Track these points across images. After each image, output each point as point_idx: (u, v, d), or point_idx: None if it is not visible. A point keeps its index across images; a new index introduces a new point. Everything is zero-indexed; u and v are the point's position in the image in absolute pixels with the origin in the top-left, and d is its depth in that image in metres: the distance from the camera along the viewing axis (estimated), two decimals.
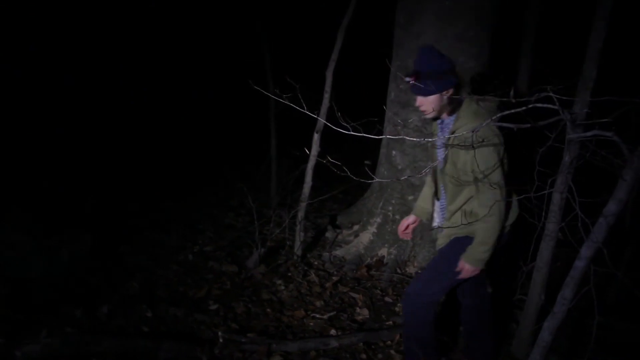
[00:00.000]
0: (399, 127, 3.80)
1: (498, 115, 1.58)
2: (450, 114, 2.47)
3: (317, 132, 3.62)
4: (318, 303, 3.45)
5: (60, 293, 3.20)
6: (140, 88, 7.02)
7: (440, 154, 2.57)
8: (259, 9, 4.68)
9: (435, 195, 2.73)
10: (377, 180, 4.06)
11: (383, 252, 3.95)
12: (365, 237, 4.06)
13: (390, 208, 3.99)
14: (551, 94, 1.56)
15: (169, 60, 7.47)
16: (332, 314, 3.33)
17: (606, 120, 1.72)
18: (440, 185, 2.66)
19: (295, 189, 4.95)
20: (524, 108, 1.57)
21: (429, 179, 2.80)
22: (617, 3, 2.26)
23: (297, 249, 3.94)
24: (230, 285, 3.56)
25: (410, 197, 3.89)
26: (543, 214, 2.47)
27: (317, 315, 3.30)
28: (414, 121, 3.72)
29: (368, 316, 3.35)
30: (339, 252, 4.06)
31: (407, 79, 2.36)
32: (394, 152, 3.94)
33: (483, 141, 2.29)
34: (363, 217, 4.26)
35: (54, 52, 6.44)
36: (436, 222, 2.77)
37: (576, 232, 2.03)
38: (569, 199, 2.06)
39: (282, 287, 3.58)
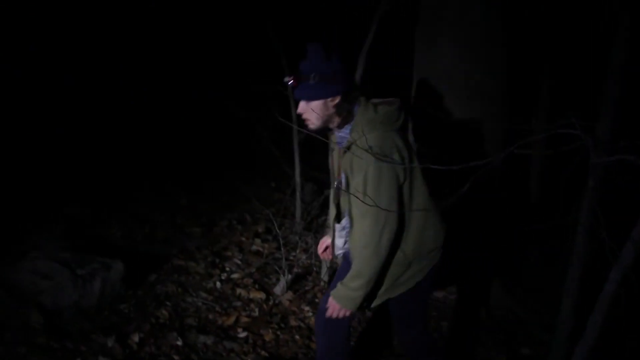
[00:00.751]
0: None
1: (519, 143, 1.57)
2: (343, 125, 2.14)
3: None
4: None
5: (92, 322, 3.26)
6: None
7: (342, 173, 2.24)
8: (277, 31, 4.65)
9: (337, 217, 2.39)
10: None
11: None
12: None
13: None
14: (573, 119, 1.57)
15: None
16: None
17: (630, 144, 1.72)
18: (343, 207, 2.34)
19: (320, 213, 4.99)
20: (543, 135, 1.59)
21: (332, 198, 2.46)
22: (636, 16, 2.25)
23: (324, 275, 3.96)
24: (259, 312, 3.59)
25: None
26: (570, 238, 2.45)
27: None
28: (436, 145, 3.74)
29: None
30: None
31: (286, 79, 2.06)
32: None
33: (380, 156, 1.97)
34: None
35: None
36: (338, 250, 2.41)
37: (604, 254, 2.02)
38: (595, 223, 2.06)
39: (310, 314, 3.60)
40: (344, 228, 2.35)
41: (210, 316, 3.50)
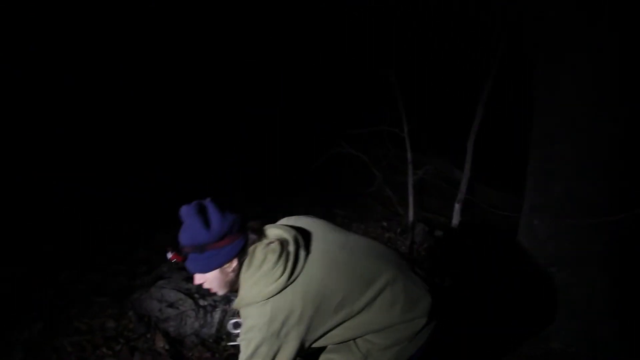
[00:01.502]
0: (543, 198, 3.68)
1: None
2: None
3: (457, 203, 3.63)
4: None
5: (212, 351, 3.43)
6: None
7: None
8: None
9: None
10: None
11: None
12: None
13: None
14: None
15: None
16: None
17: None
18: None
19: (431, 254, 4.91)
20: None
21: None
22: None
23: None
24: None
25: (554, 269, 3.69)
26: None
27: None
28: (556, 191, 3.58)
29: None
30: None
31: (169, 255, 1.80)
32: (535, 222, 3.78)
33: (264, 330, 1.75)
34: None
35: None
36: None
37: None
38: None
39: None
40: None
41: None
